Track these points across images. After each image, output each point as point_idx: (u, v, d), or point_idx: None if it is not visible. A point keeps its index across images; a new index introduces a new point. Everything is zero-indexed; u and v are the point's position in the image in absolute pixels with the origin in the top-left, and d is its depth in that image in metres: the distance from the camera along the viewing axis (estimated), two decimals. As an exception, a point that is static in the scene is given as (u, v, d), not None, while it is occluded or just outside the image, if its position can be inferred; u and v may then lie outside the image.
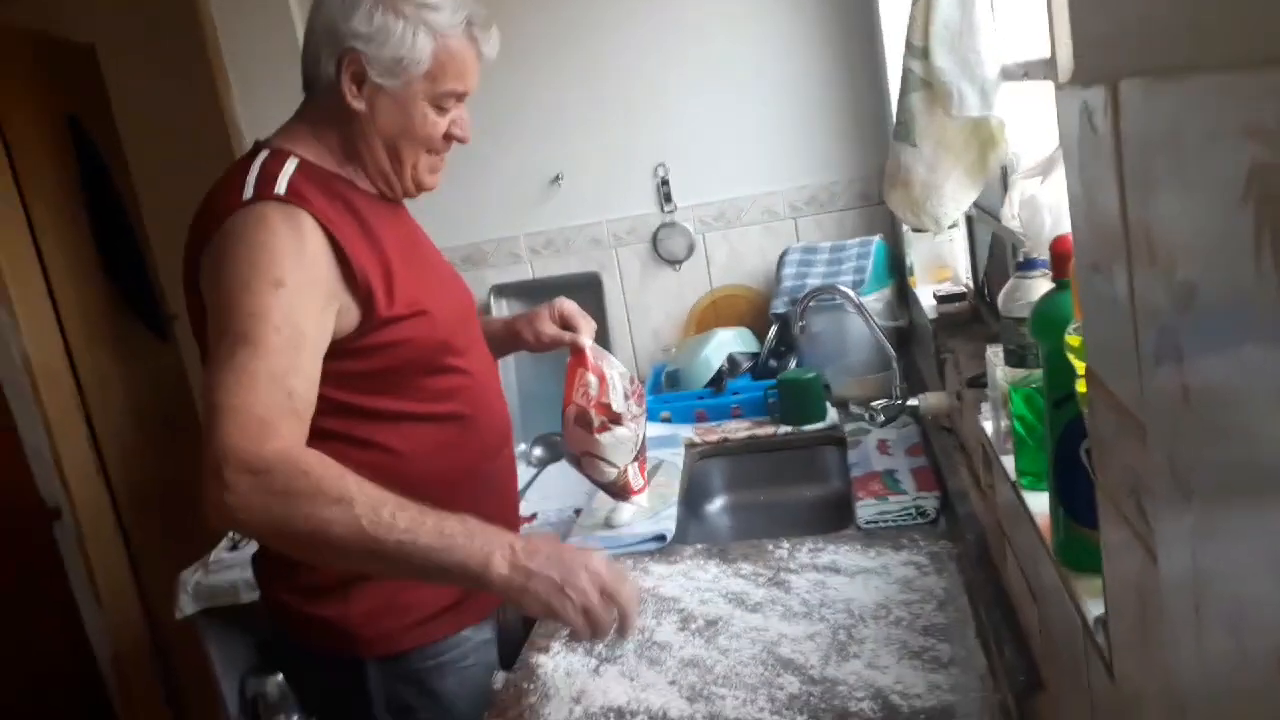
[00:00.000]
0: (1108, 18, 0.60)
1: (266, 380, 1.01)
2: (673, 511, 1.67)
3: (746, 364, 2.26)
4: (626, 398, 1.49)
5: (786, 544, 1.50)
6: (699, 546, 1.57)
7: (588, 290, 2.54)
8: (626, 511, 1.65)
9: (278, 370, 1.03)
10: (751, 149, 2.47)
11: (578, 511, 1.85)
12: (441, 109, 1.22)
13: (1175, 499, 0.53)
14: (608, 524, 1.66)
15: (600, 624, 1.01)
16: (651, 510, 1.66)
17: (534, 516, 2.01)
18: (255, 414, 0.99)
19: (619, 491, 1.55)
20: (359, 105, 1.19)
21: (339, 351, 1.14)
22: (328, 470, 0.99)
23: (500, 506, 1.31)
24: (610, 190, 2.55)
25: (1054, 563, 0.85)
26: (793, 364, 2.19)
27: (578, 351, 1.48)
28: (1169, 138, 0.48)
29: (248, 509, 0.97)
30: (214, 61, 2.59)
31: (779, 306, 2.27)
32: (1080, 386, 0.73)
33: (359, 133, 1.21)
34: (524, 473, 2.20)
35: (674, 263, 2.55)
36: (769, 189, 2.49)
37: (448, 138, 1.25)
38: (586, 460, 1.52)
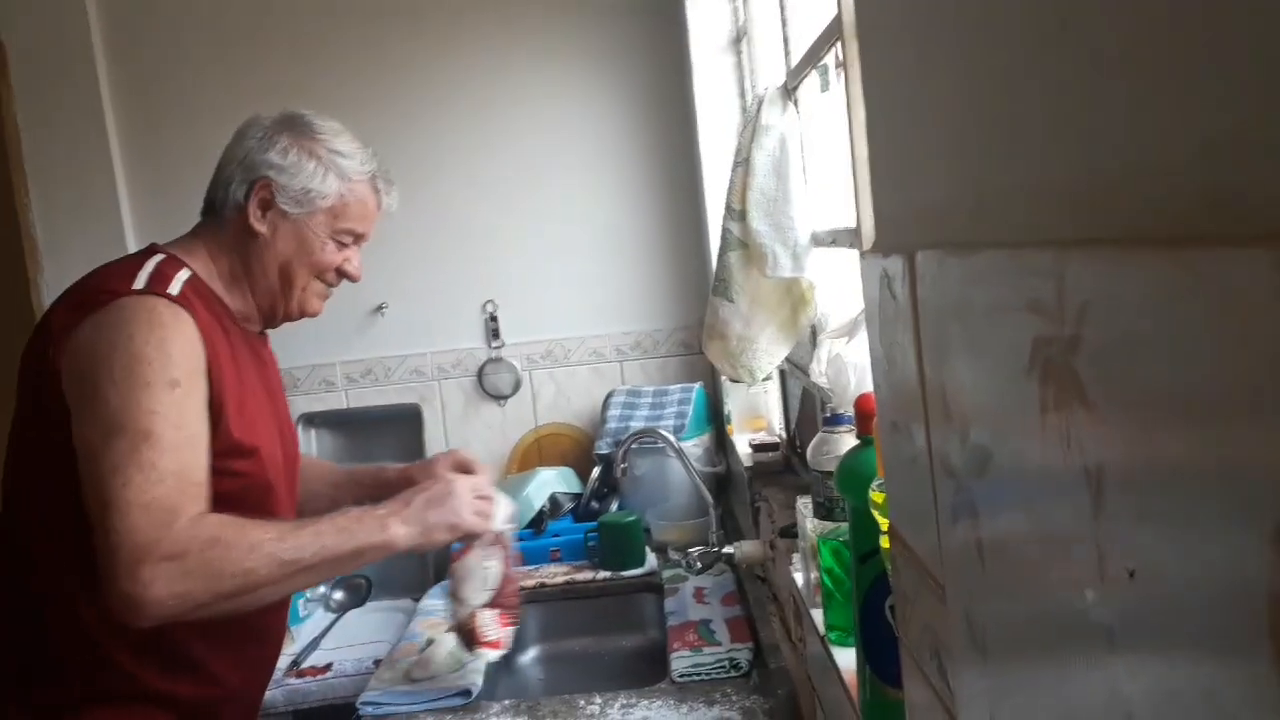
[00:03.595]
0: (905, 195, 0.64)
1: (173, 476, 1.06)
2: (479, 664, 1.57)
3: (569, 504, 2.22)
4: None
5: (599, 699, 1.44)
6: (506, 703, 1.48)
7: (406, 422, 2.46)
8: (430, 664, 1.54)
9: (182, 466, 1.08)
10: (581, 293, 2.51)
11: (377, 663, 1.72)
12: (340, 244, 1.31)
13: (973, 658, 0.53)
14: (408, 677, 1.55)
15: (489, 515, 1.31)
16: (457, 663, 1.55)
17: (329, 667, 1.85)
18: (165, 506, 1.05)
19: (467, 636, 1.44)
20: (261, 228, 1.26)
21: None
22: (230, 526, 1.09)
23: (270, 651, 1.35)
24: (436, 322, 2.51)
25: (861, 721, 0.84)
26: (615, 506, 2.17)
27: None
28: (960, 307, 0.51)
29: (175, 596, 1.03)
30: (14, 171, 2.42)
31: (603, 447, 2.26)
32: (884, 542, 0.74)
33: (255, 254, 1.27)
34: (322, 619, 2.04)
35: (499, 398, 2.52)
36: (596, 332, 2.52)
37: (339, 272, 1.33)
38: (452, 603, 1.45)
